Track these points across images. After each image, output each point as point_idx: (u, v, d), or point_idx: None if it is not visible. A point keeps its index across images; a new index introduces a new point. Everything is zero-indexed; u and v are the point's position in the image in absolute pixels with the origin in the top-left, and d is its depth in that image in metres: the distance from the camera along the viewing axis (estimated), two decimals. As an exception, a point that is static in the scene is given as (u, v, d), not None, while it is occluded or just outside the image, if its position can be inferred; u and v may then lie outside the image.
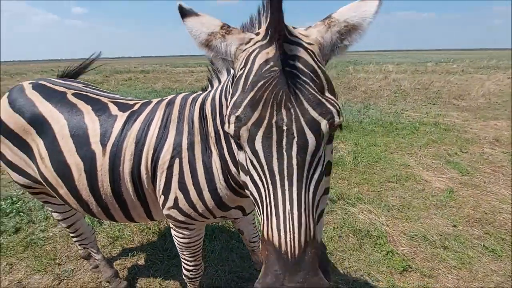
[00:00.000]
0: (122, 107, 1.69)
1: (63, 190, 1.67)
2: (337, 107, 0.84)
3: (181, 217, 1.59)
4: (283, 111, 0.80)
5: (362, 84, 13.19)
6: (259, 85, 0.83)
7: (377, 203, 3.55)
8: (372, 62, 27.56)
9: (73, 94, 1.75)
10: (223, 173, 1.47)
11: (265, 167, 0.81)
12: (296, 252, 0.73)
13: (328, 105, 0.82)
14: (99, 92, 1.91)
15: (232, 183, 1.48)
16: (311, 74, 0.84)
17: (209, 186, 1.49)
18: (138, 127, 1.58)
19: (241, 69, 0.93)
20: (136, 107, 1.68)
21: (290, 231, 0.74)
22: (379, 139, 5.83)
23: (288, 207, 0.76)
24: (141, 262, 2.72)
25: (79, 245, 2.38)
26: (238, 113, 0.83)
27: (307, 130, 0.79)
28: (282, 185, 0.78)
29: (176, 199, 1.54)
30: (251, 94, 0.83)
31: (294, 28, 0.96)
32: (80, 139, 1.60)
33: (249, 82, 0.85)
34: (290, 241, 0.73)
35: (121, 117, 1.63)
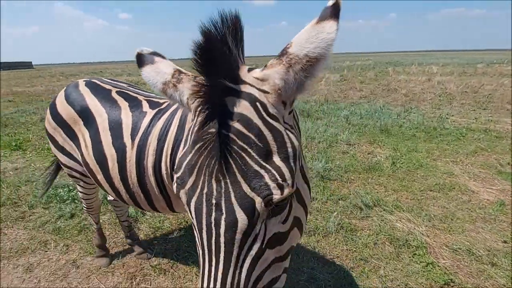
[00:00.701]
0: (153, 105, 1.82)
1: (99, 176, 1.86)
2: (280, 178, 0.70)
3: None
4: (214, 183, 0.71)
5: (402, 87, 12.56)
6: (196, 147, 0.76)
7: (417, 212, 3.39)
8: (414, 63, 26.06)
9: (116, 92, 1.95)
10: None
11: (199, 236, 0.75)
12: None
13: (267, 178, 0.69)
14: (138, 91, 2.09)
15: None
16: (253, 136, 0.72)
17: None
18: (161, 124, 1.65)
19: (191, 122, 0.87)
20: (163, 106, 1.78)
21: None
22: (420, 145, 5.53)
23: (211, 285, 0.70)
24: (180, 252, 2.88)
25: (88, 214, 2.71)
26: (179, 174, 0.78)
27: (237, 208, 0.69)
28: (210, 261, 0.72)
29: None
30: (190, 156, 0.77)
31: (250, 69, 0.83)
32: (116, 132, 1.76)
33: (191, 141, 0.79)
34: None
35: (150, 114, 1.75)
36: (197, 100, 0.76)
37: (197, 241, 0.78)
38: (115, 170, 1.76)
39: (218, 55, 0.72)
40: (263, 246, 0.74)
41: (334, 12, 0.72)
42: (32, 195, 3.91)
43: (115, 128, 1.77)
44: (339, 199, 3.71)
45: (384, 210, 3.45)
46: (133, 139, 1.70)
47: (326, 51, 0.72)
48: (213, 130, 0.73)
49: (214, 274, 0.70)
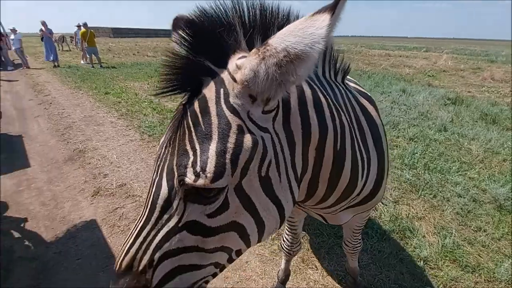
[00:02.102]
0: None
1: None
2: (200, 167, 0.69)
3: None
4: (162, 149, 0.80)
5: None
6: (174, 113, 0.85)
7: None
8: None
9: None
10: None
11: None
12: (117, 270, 0.75)
13: (189, 161, 0.71)
14: None
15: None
16: (200, 118, 0.74)
17: None
18: None
19: None
20: None
21: (122, 250, 0.77)
22: None
23: (132, 229, 0.78)
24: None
25: None
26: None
27: (164, 176, 0.75)
28: (141, 213, 0.79)
29: None
30: (170, 120, 0.86)
31: (243, 56, 0.76)
32: None
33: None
34: (118, 258, 0.77)
35: None
36: (173, 71, 0.78)
37: None
38: None
39: (208, 37, 0.76)
40: (180, 225, 0.74)
41: (332, 4, 0.60)
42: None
43: None
44: (521, 242, 2.78)
45: None
46: None
47: (310, 49, 0.61)
48: (184, 102, 0.80)
49: (137, 223, 0.78)
